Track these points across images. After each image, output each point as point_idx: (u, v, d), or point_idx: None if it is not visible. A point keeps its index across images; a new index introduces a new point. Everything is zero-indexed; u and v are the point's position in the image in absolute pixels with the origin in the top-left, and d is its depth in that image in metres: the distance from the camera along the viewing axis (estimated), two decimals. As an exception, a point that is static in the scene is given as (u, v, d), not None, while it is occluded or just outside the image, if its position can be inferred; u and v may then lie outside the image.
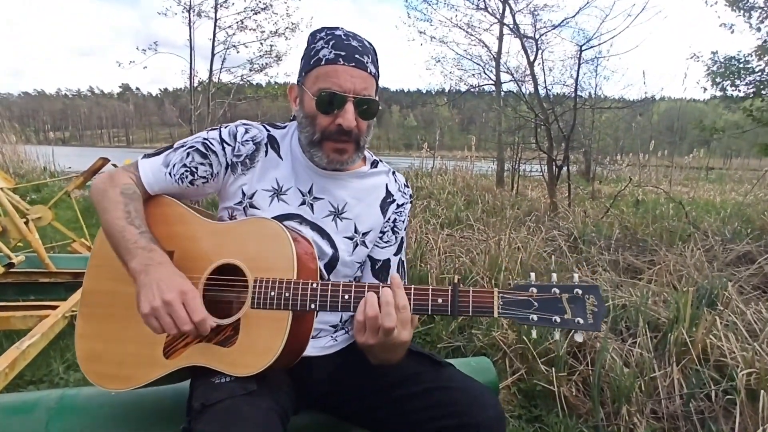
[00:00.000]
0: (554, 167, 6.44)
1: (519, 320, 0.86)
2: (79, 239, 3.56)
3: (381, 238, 1.17)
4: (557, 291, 0.86)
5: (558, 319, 0.85)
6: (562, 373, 2.06)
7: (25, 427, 1.08)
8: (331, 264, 1.10)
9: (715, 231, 4.33)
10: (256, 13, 8.33)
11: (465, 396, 0.97)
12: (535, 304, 0.86)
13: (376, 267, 1.17)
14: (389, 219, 1.17)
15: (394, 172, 1.22)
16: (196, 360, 0.93)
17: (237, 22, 8.31)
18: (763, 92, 5.23)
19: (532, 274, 0.91)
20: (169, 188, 1.07)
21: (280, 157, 1.10)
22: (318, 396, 1.11)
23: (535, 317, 0.85)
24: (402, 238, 1.21)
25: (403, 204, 1.19)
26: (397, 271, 1.20)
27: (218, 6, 8.01)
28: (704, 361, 2.00)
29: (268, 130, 1.12)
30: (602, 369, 2.00)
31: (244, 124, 1.11)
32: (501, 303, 0.86)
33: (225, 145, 1.07)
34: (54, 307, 2.18)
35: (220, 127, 1.11)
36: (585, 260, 3.60)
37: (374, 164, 1.18)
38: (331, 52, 0.98)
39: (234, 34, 8.41)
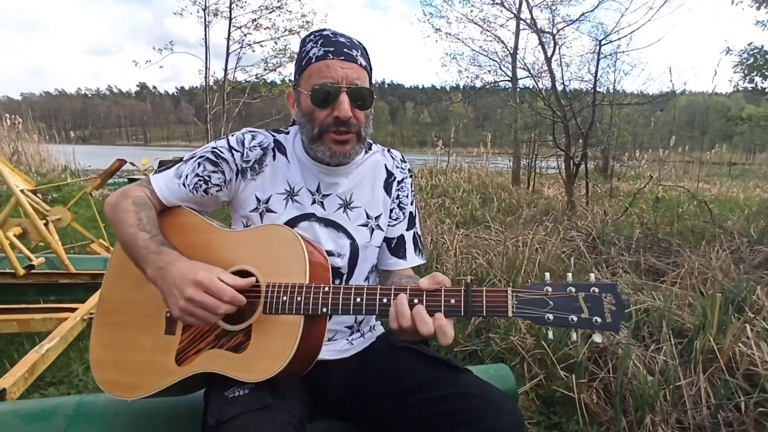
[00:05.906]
0: (572, 165, 6.31)
1: (534, 320, 0.82)
2: (97, 240, 3.62)
3: (390, 216, 1.20)
4: (573, 290, 0.82)
5: (575, 319, 0.81)
6: (583, 380, 2.00)
7: (44, 434, 1.09)
8: (354, 255, 1.12)
9: (740, 231, 4.18)
10: (270, 11, 8.37)
11: (483, 402, 0.94)
12: (551, 303, 0.82)
13: (392, 245, 1.20)
14: (394, 197, 1.20)
15: (389, 150, 1.24)
16: (209, 366, 0.93)
17: (252, 21, 8.36)
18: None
19: (547, 274, 0.88)
20: (183, 199, 1.08)
21: (288, 160, 1.12)
22: (334, 401, 1.10)
23: (550, 317, 0.82)
24: (411, 212, 1.23)
25: (402, 179, 1.22)
26: (415, 246, 1.22)
27: (233, 5, 8.06)
28: (733, 370, 1.93)
29: (273, 135, 1.14)
30: (624, 376, 1.94)
31: (251, 131, 1.14)
32: (515, 303, 0.83)
33: (234, 151, 1.09)
34: (73, 309, 2.21)
35: (228, 136, 1.13)
36: (605, 261, 3.51)
37: (368, 147, 1.20)
38: (320, 50, 1.01)
39: (249, 33, 8.46)
